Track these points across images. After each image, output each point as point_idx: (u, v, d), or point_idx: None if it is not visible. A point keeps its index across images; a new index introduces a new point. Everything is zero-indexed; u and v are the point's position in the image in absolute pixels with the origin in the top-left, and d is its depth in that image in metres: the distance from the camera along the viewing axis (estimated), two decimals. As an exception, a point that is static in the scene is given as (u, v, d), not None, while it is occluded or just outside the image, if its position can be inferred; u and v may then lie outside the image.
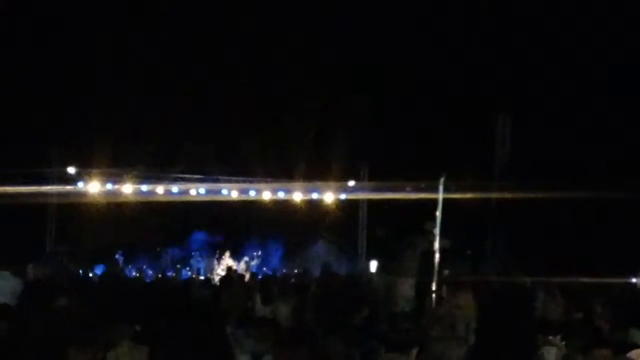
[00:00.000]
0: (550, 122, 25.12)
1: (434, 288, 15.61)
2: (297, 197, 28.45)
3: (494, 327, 3.99)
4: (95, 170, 26.18)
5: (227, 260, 28.51)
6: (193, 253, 29.96)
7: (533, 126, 24.87)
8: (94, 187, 26.37)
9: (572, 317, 12.85)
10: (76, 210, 27.11)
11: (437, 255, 15.77)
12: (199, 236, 29.94)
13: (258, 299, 15.11)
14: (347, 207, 29.73)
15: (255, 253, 29.66)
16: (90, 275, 24.36)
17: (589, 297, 13.77)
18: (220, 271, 26.69)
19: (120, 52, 25.35)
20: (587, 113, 24.61)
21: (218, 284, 19.36)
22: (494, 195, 24.30)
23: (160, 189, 26.53)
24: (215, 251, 29.30)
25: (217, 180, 27.18)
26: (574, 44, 24.98)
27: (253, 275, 23.91)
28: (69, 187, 25.91)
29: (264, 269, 29.02)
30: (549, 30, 25.11)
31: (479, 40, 26.00)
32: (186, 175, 26.79)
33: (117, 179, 26.40)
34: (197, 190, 26.99)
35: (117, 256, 27.82)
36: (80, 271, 23.55)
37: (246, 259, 29.05)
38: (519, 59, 25.82)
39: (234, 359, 4.92)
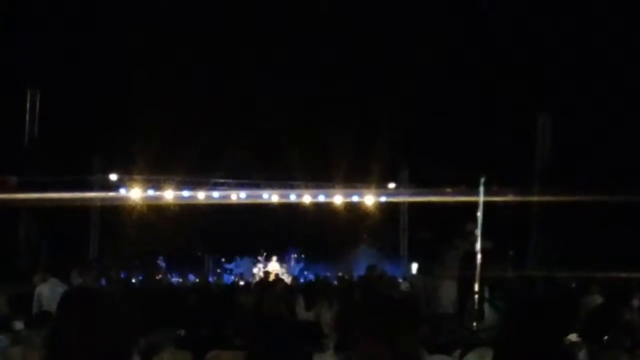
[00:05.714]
0: (590, 122, 24.92)
1: (476, 289, 15.57)
2: (338, 200, 28.49)
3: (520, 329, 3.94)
4: (136, 177, 26.44)
5: (270, 265, 28.54)
6: (235, 258, 30.02)
7: (573, 126, 24.69)
8: (135, 194, 26.64)
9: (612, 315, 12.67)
10: (119, 217, 27.34)
11: (478, 257, 15.70)
12: (240, 241, 29.98)
13: (301, 303, 15.08)
14: (388, 210, 29.71)
15: (296, 257, 29.65)
16: (133, 281, 24.54)
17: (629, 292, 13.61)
18: (262, 274, 26.71)
19: (162, 59, 25.53)
20: (626, 114, 24.37)
21: (260, 288, 19.36)
22: (534, 197, 24.18)
23: (201, 195, 26.71)
24: (256, 256, 29.33)
25: (257, 185, 27.30)
26: (615, 41, 24.77)
27: (294, 279, 23.93)
28: (111, 194, 26.20)
29: (305, 272, 29.03)
30: (590, 28, 24.91)
31: (517, 41, 25.86)
32: (227, 180, 26.94)
33: (158, 185, 26.65)
34: (237, 195, 27.13)
35: (159, 262, 27.98)
36: (123, 276, 23.71)
37: (288, 263, 29.05)
38: (558, 59, 25.64)
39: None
